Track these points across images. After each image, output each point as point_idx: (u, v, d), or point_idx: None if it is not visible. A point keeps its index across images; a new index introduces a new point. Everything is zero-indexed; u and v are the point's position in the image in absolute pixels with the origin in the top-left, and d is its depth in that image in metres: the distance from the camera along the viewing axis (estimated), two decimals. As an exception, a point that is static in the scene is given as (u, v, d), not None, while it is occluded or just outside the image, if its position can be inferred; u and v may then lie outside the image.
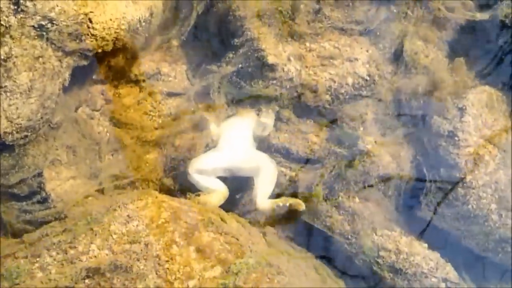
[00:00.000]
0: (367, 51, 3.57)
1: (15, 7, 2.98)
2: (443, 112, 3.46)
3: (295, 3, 3.53)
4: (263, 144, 3.49)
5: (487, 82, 3.66)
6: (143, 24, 3.38)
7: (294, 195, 3.45)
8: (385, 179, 3.47)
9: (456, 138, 3.40)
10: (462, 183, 3.37)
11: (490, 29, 3.70)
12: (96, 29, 3.17)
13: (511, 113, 3.59)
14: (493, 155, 3.42)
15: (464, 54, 3.69)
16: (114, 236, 2.90)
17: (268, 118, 3.46)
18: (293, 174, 3.46)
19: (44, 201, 3.19)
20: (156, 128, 3.49)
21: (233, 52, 3.52)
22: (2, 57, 2.95)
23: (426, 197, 3.43)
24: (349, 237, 3.44)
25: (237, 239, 3.03)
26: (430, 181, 3.43)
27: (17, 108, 3.00)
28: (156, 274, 2.84)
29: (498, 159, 3.42)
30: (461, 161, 3.37)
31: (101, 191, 3.27)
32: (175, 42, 3.64)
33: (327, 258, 3.44)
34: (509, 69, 3.70)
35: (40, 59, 3.06)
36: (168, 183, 3.40)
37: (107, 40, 3.23)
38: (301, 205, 3.30)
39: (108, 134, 3.45)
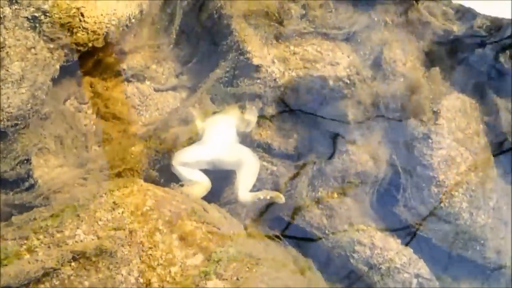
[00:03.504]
0: (348, 56, 3.71)
1: (10, -2, 3.08)
2: (418, 115, 3.61)
3: (283, 8, 3.67)
4: (246, 140, 3.58)
5: (461, 90, 3.83)
6: (133, 20, 3.48)
7: (275, 189, 3.54)
8: (363, 177, 3.60)
9: (430, 140, 3.55)
10: (435, 182, 3.52)
11: (467, 39, 3.87)
12: (87, 23, 3.27)
13: (483, 119, 3.77)
14: (464, 157, 3.57)
15: (440, 63, 3.86)
16: (100, 222, 2.96)
17: (251, 115, 3.56)
18: (275, 168, 3.56)
19: (31, 187, 3.25)
20: (143, 122, 3.57)
21: (223, 58, 3.63)
22: (-5, 47, 3.03)
23: (400, 194, 3.58)
24: (327, 231, 3.55)
25: (219, 229, 3.11)
26: (405, 179, 3.57)
27: (8, 98, 3.07)
28: (140, 259, 2.91)
29: (470, 161, 3.58)
30: (434, 162, 3.52)
31: (88, 179, 3.33)
32: (163, 40, 3.74)
33: (306, 251, 3.53)
34: (483, 79, 3.87)
35: (32, 49, 3.14)
36: (153, 174, 3.47)
37: (98, 34, 3.32)
38: (281, 198, 3.39)
39: (94, 126, 3.52)
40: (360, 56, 3.78)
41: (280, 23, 3.64)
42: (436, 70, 3.82)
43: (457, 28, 3.81)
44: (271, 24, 3.63)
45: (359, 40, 3.81)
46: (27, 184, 3.26)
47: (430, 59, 3.88)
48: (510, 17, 3.69)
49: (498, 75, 3.82)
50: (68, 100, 3.53)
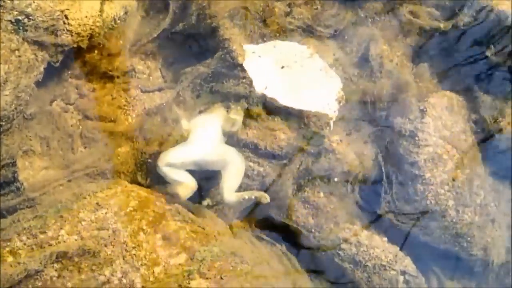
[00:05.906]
0: (334, 54, 3.71)
1: (-7, 2, 3.09)
2: (405, 113, 3.60)
3: (268, 6, 3.66)
4: (232, 140, 3.55)
5: (448, 87, 3.82)
6: (118, 22, 3.49)
7: (262, 189, 3.53)
8: (349, 176, 3.59)
9: (416, 138, 3.54)
10: (421, 180, 3.51)
11: (453, 36, 3.86)
12: (71, 25, 3.27)
13: (470, 116, 3.76)
14: (451, 155, 3.56)
15: (427, 60, 3.85)
16: (83, 223, 2.98)
17: (237, 115, 3.53)
18: (261, 169, 3.55)
19: (17, 189, 3.25)
20: (129, 123, 3.57)
21: (208, 58, 3.62)
22: (-21, 50, 3.05)
23: (386, 193, 3.58)
24: (313, 230, 3.55)
25: (203, 229, 3.12)
26: (390, 178, 3.57)
27: (-9, 99, 3.08)
28: (123, 259, 2.92)
29: (456, 159, 3.57)
30: (420, 160, 3.51)
31: (73, 180, 3.34)
32: (149, 41, 3.74)
33: (291, 250, 3.53)
34: (469, 75, 3.86)
35: (16, 52, 3.14)
36: (139, 175, 3.47)
37: (82, 36, 3.32)
38: (266, 198, 3.38)
39: (81, 127, 3.53)
40: (346, 54, 3.78)
41: (265, 21, 3.63)
42: (424, 66, 3.82)
43: (444, 26, 3.80)
44: (256, 23, 3.63)
45: (345, 37, 3.82)
46: (13, 187, 3.26)
47: (417, 56, 3.87)
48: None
49: (485, 72, 3.81)
50: (55, 101, 3.54)
